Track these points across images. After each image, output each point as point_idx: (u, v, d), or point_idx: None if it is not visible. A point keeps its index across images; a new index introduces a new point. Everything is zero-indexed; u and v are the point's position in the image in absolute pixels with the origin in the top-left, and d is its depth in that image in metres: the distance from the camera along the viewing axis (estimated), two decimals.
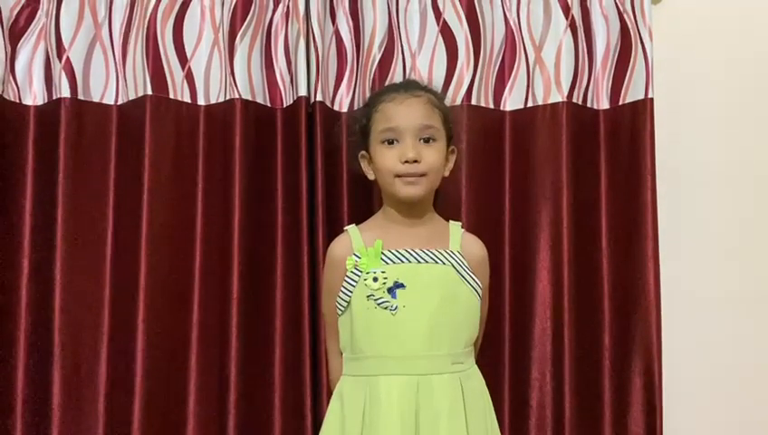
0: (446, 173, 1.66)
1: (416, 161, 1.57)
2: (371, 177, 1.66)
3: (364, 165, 1.67)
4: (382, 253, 1.58)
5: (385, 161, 1.60)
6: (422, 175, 1.58)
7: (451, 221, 1.68)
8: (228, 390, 1.81)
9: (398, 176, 1.58)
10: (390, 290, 1.55)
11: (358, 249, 1.60)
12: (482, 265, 1.66)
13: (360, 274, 1.58)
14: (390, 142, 1.60)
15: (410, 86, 1.65)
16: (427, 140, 1.59)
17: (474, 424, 1.55)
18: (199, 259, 1.82)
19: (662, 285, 1.89)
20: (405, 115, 1.59)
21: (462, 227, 1.68)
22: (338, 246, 1.65)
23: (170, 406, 1.80)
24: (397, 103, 1.61)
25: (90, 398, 1.81)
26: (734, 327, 2.00)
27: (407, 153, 1.57)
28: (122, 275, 1.82)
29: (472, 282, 1.60)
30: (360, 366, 1.58)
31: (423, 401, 1.53)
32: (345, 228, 1.67)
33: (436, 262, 1.59)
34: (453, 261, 1.60)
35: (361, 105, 1.82)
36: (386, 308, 1.55)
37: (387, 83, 1.89)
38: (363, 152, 1.66)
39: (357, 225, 1.67)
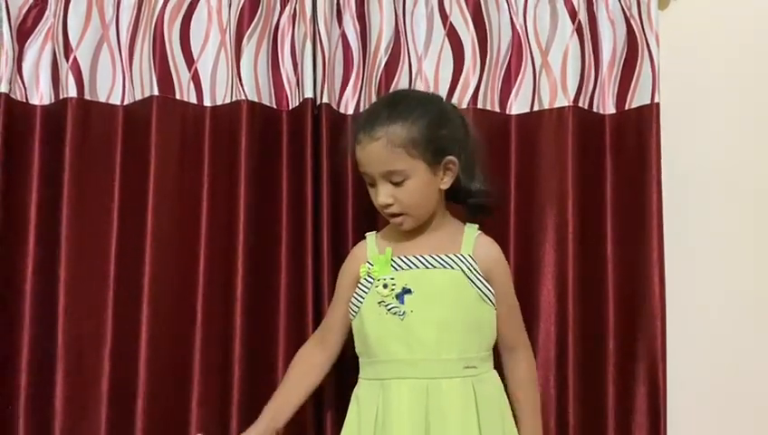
0: (443, 187, 1.64)
1: (391, 204, 1.59)
2: None
3: None
4: (393, 260, 1.61)
5: (372, 198, 1.63)
6: (402, 214, 1.60)
7: (468, 224, 1.68)
8: (232, 391, 1.80)
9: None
10: (399, 296, 1.58)
11: (371, 257, 1.64)
12: (497, 267, 1.65)
13: (372, 281, 1.61)
14: (370, 183, 1.62)
15: (372, 124, 1.58)
16: (396, 183, 1.58)
17: (487, 429, 1.56)
18: (204, 260, 1.82)
19: (667, 291, 1.88)
20: (368, 162, 1.59)
21: (479, 230, 1.68)
22: (357, 252, 1.69)
23: (174, 407, 1.80)
24: (361, 148, 1.59)
25: (93, 399, 1.81)
26: (739, 335, 1.99)
27: (378, 199, 1.60)
28: (127, 275, 1.82)
29: (482, 286, 1.60)
30: (374, 370, 1.61)
31: (432, 405, 1.54)
32: (366, 235, 1.71)
33: (445, 267, 1.60)
34: (463, 265, 1.60)
35: (364, 109, 1.84)
36: (395, 314, 1.57)
37: (392, 87, 1.90)
38: None
39: (378, 232, 1.70)
